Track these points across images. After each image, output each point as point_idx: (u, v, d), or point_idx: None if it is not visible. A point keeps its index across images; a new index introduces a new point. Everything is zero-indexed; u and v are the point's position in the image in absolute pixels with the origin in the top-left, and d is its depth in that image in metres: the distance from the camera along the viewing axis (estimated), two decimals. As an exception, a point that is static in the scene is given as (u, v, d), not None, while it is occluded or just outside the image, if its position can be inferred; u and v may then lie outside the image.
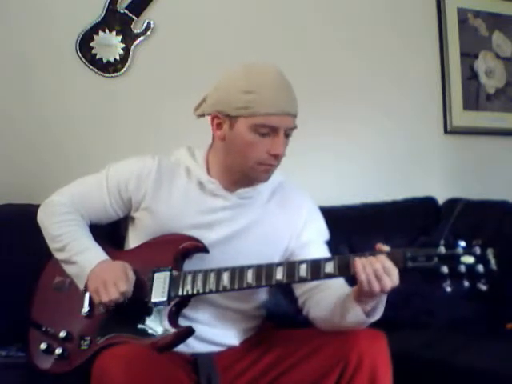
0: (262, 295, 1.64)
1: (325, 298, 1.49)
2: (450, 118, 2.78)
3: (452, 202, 2.48)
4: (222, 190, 1.55)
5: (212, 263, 1.49)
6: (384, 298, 1.40)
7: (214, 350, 1.55)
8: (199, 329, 1.48)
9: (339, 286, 1.49)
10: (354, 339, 1.38)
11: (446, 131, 2.79)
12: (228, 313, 1.57)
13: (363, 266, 1.31)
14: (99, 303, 1.46)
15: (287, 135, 1.49)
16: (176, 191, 1.57)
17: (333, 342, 1.41)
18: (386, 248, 1.35)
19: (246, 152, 1.48)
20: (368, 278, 1.30)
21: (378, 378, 1.37)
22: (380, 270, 1.30)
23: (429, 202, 2.52)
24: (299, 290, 1.56)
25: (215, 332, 1.56)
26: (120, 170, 1.61)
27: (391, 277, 1.30)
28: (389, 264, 1.31)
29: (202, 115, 1.56)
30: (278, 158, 1.48)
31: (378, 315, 1.41)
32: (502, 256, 1.31)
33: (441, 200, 2.53)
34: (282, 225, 1.60)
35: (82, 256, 1.52)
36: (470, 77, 2.83)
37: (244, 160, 1.49)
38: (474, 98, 2.84)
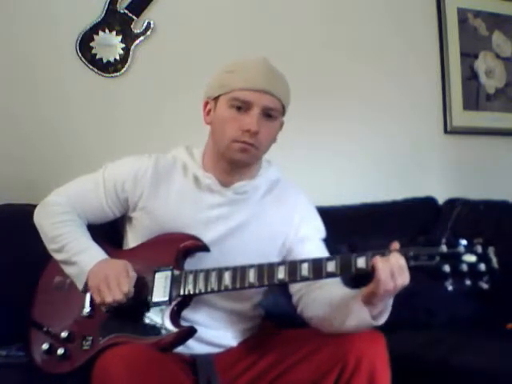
0: (258, 294, 1.64)
1: (321, 297, 1.48)
2: (450, 118, 2.78)
3: (452, 202, 2.49)
4: (217, 185, 1.55)
5: (210, 261, 1.49)
6: (390, 302, 1.38)
7: (212, 351, 1.55)
8: (198, 330, 1.47)
9: (336, 284, 1.49)
10: (352, 340, 1.38)
11: (445, 131, 2.79)
12: (226, 314, 1.57)
13: (383, 265, 1.30)
14: (101, 303, 1.45)
15: (269, 116, 1.50)
16: (173, 190, 1.57)
17: (331, 343, 1.41)
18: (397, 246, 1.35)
19: (223, 129, 1.50)
20: (386, 277, 1.29)
21: (377, 379, 1.36)
22: (395, 267, 1.29)
23: (429, 202, 2.52)
24: (294, 287, 1.56)
25: (213, 333, 1.56)
26: (116, 170, 1.61)
27: (404, 275, 1.30)
28: (403, 262, 1.30)
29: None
30: (252, 135, 1.47)
31: (383, 319, 1.39)
32: (502, 256, 1.31)
33: (441, 200, 2.53)
34: (279, 220, 1.60)
35: (81, 256, 1.52)
36: (470, 77, 2.83)
37: (222, 139, 1.51)
38: (474, 98, 2.83)
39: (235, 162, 1.53)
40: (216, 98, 1.52)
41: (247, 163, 1.54)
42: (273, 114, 1.51)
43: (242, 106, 1.48)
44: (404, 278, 1.30)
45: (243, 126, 1.47)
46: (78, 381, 1.46)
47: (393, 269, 1.29)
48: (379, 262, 1.31)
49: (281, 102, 1.51)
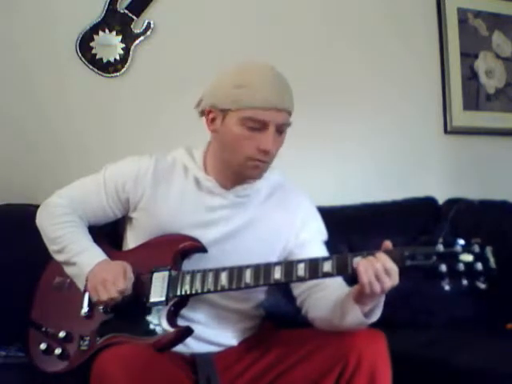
0: (261, 295, 1.64)
1: (323, 298, 1.49)
2: (450, 117, 2.78)
3: (452, 202, 2.49)
4: (218, 187, 1.55)
5: (210, 262, 1.49)
6: (382, 299, 1.39)
7: (212, 350, 1.55)
8: (197, 329, 1.48)
9: (338, 285, 1.49)
10: (353, 339, 1.38)
11: (445, 131, 2.79)
12: (226, 313, 1.57)
13: (365, 268, 1.30)
14: (98, 301, 1.46)
15: (280, 132, 1.47)
16: (173, 190, 1.57)
17: (332, 343, 1.41)
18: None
19: (236, 147, 1.47)
20: (369, 280, 1.30)
21: (378, 378, 1.37)
22: (380, 270, 1.29)
23: (429, 201, 2.52)
24: (297, 289, 1.56)
25: (213, 332, 1.56)
26: (117, 171, 1.61)
27: (391, 276, 1.30)
28: (389, 264, 1.30)
29: (202, 112, 1.56)
30: (267, 153, 1.46)
31: (376, 316, 1.40)
32: (502, 256, 1.31)
33: (441, 200, 2.53)
34: (280, 224, 1.59)
35: (81, 257, 1.53)
36: (470, 77, 2.83)
37: (234, 155, 1.49)
38: (474, 98, 2.83)
39: (246, 177, 1.53)
40: (223, 111, 1.47)
41: (258, 178, 1.55)
42: (284, 129, 1.49)
43: (257, 126, 1.44)
44: (392, 280, 1.30)
45: (259, 146, 1.44)
46: (76, 381, 1.46)
47: (377, 272, 1.29)
48: (361, 266, 1.31)
49: (290, 113, 1.49)
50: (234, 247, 1.55)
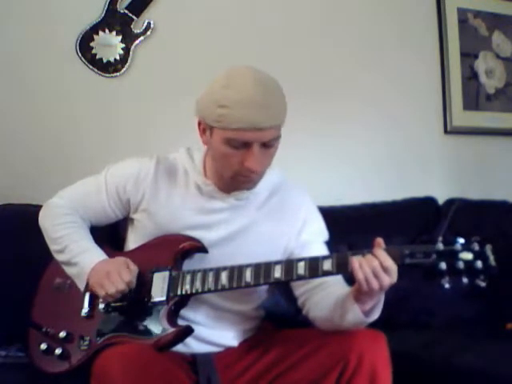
0: (261, 295, 1.64)
1: (324, 298, 1.49)
2: (450, 117, 2.78)
3: (452, 202, 2.49)
4: (218, 192, 1.56)
5: (211, 263, 1.49)
6: (382, 298, 1.39)
7: (213, 351, 1.55)
8: (198, 330, 1.49)
9: (338, 285, 1.49)
10: (353, 339, 1.38)
11: (445, 131, 2.79)
12: (227, 314, 1.57)
13: (360, 264, 1.31)
14: (105, 295, 1.46)
15: (269, 146, 1.44)
16: (174, 192, 1.58)
17: (332, 342, 1.41)
18: (383, 245, 1.35)
19: (224, 162, 1.47)
20: (366, 277, 1.30)
21: (378, 378, 1.36)
22: (378, 267, 1.29)
23: (429, 201, 2.52)
24: (298, 289, 1.56)
25: (214, 333, 1.56)
26: (118, 172, 1.61)
27: (389, 274, 1.30)
28: (388, 262, 1.30)
29: None
30: (252, 171, 1.45)
31: (376, 315, 1.41)
32: (502, 256, 1.31)
33: (441, 200, 2.53)
34: (281, 225, 1.59)
35: (82, 257, 1.53)
36: (470, 77, 2.83)
37: (224, 169, 1.49)
38: (474, 98, 2.83)
39: (239, 188, 1.53)
40: (211, 127, 1.45)
41: (251, 189, 1.55)
42: (273, 144, 1.46)
43: (240, 145, 1.42)
44: (391, 278, 1.30)
45: (244, 163, 1.43)
46: (76, 381, 1.46)
47: (375, 269, 1.29)
48: (355, 263, 1.31)
49: (279, 125, 1.45)
50: (234, 249, 1.55)
